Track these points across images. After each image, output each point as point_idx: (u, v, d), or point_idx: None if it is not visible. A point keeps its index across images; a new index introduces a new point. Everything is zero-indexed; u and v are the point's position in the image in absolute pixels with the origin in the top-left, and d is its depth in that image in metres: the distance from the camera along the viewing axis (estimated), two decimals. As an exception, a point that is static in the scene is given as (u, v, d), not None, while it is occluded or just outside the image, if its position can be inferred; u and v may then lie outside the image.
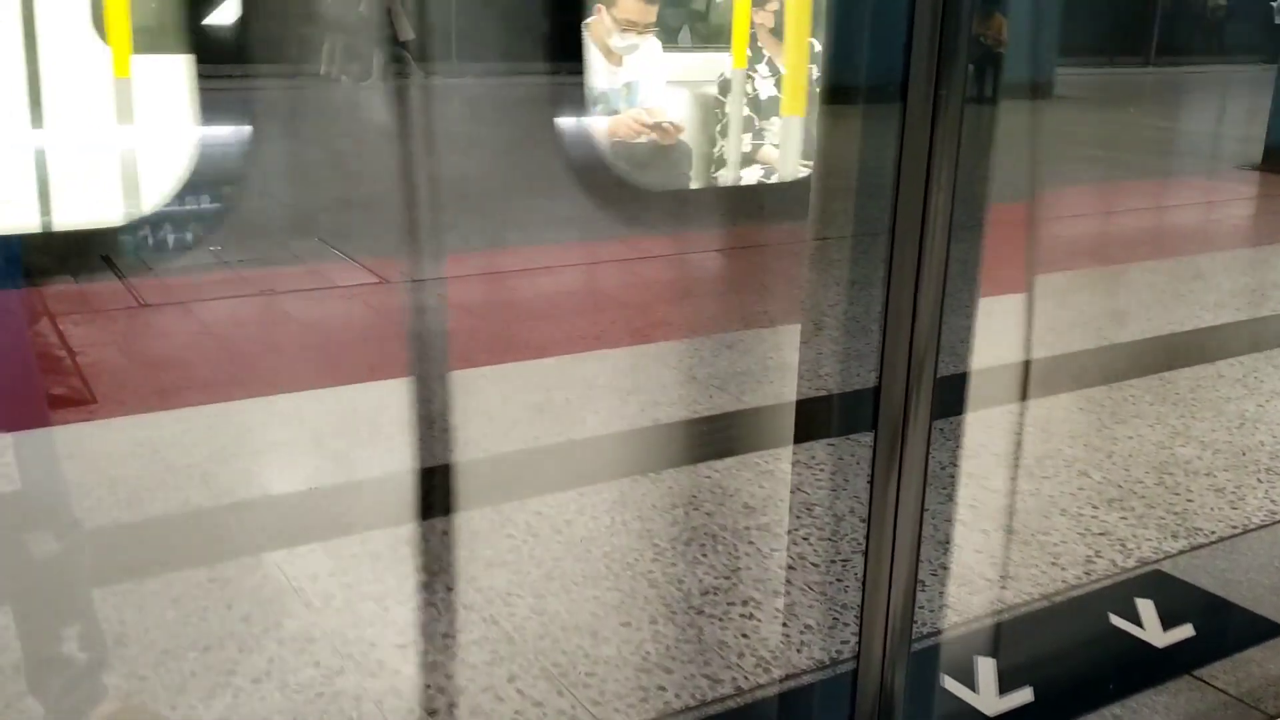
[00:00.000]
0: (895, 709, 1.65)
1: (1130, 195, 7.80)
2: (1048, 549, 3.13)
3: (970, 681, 2.53)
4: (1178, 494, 3.49)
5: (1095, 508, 3.38)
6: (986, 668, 2.57)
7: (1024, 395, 4.22)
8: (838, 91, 1.65)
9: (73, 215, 5.40)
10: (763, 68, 5.06)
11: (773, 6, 5.08)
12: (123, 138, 5.50)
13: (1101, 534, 3.22)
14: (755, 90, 4.96)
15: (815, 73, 4.68)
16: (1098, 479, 3.58)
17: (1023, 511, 3.34)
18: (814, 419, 2.51)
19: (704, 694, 2.48)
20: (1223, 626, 2.86)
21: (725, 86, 5.06)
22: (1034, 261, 5.71)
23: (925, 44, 1.48)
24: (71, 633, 2.17)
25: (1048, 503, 3.40)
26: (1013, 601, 2.88)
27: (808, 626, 2.74)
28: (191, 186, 5.09)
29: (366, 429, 3.75)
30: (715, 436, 3.34)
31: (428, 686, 2.48)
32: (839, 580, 2.91)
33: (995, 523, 3.26)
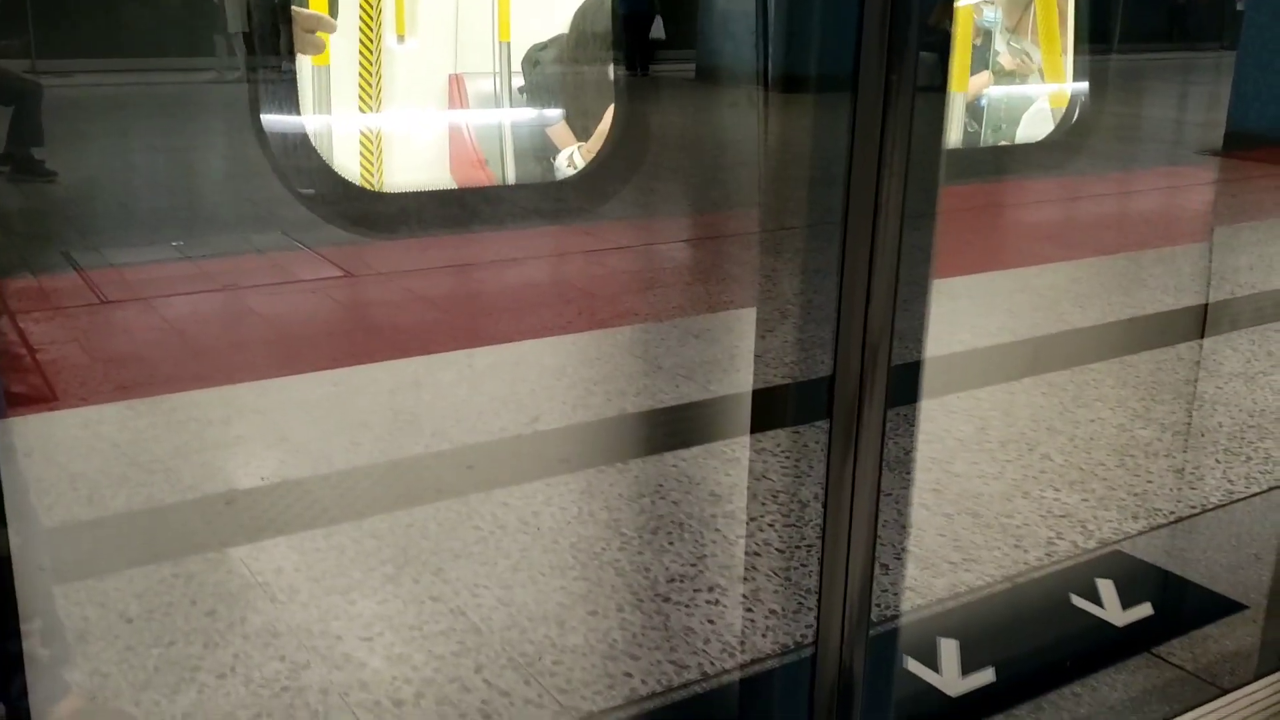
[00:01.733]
0: (855, 691, 1.67)
1: (1099, 183, 7.87)
2: (1010, 531, 3.16)
3: (933, 663, 2.56)
4: (1138, 475, 3.53)
5: (1057, 490, 3.41)
6: (949, 649, 2.60)
7: (987, 380, 4.26)
8: (790, 81, 1.66)
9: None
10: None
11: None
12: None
13: (1063, 516, 3.26)
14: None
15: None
16: (1059, 462, 3.61)
17: (986, 495, 3.38)
18: (774, 407, 2.54)
19: (670, 680, 2.50)
20: (1181, 604, 2.90)
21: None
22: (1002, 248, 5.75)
23: (876, 31, 1.49)
24: (34, 629, 2.16)
25: (1010, 486, 3.44)
26: (975, 584, 2.91)
27: (772, 611, 2.76)
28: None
29: (324, 418, 3.74)
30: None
31: (394, 678, 2.48)
32: (803, 565, 2.93)
33: (959, 506, 3.29)
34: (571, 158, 5.93)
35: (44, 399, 3.72)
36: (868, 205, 1.50)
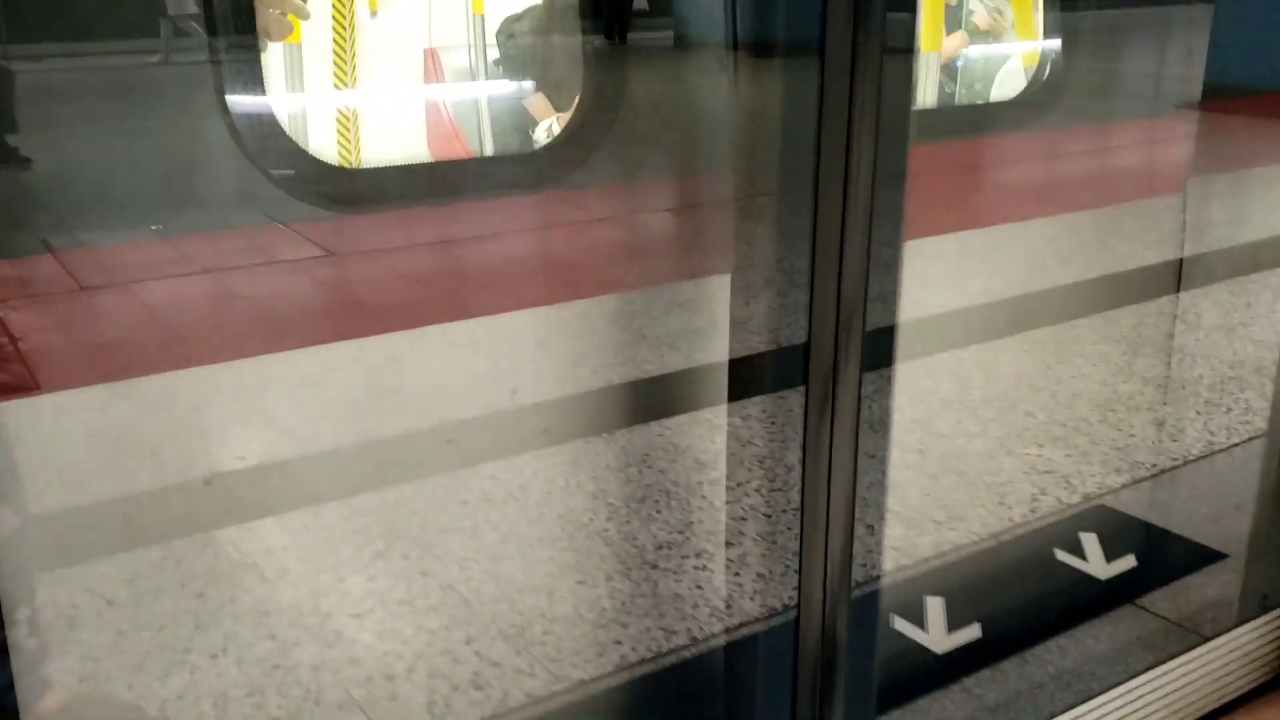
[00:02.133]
0: (838, 652, 1.69)
1: (1071, 139, 7.87)
2: (994, 489, 3.19)
3: (920, 621, 2.58)
4: (1120, 430, 3.56)
5: (1040, 447, 3.44)
6: (935, 607, 2.62)
7: (969, 340, 4.27)
8: (758, 46, 1.66)
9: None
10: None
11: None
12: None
13: (1046, 472, 3.29)
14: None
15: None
16: (1042, 419, 3.64)
17: (969, 454, 3.40)
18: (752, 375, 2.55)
19: (659, 645, 2.52)
20: (1163, 555, 2.93)
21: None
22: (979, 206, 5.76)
23: (842, -5, 1.49)
24: (21, 618, 2.16)
25: (994, 444, 3.46)
26: (960, 542, 2.93)
27: (760, 575, 2.78)
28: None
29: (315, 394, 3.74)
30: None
31: (385, 653, 2.50)
32: (789, 529, 2.95)
33: (943, 466, 3.31)
34: (550, 129, 5.91)
35: (26, 387, 3.71)
36: (838, 169, 1.50)
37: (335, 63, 5.67)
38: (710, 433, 3.47)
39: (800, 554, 1.62)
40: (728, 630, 2.56)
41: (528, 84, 6.23)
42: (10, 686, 2.19)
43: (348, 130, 5.84)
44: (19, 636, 2.15)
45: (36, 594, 2.38)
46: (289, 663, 2.45)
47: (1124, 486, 3.23)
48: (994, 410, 3.70)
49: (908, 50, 1.61)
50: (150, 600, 2.64)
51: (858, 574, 1.84)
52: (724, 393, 2.07)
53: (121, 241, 4.96)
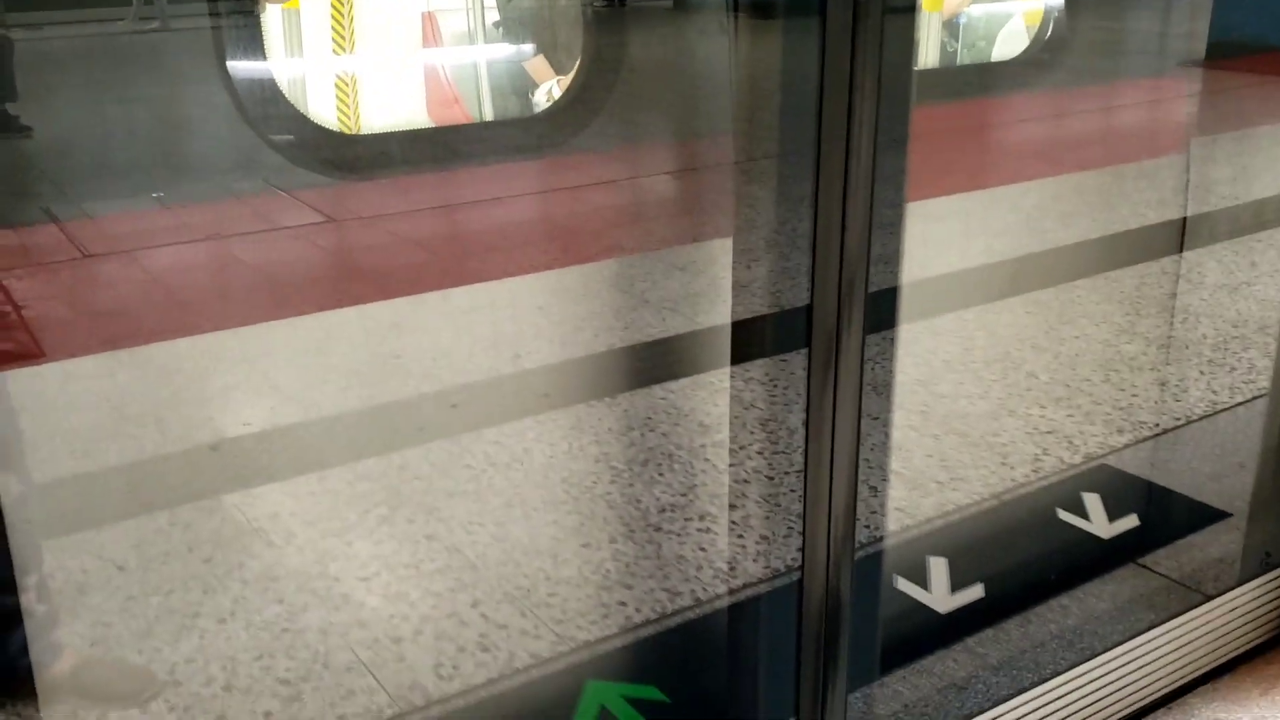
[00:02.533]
0: (842, 612, 1.70)
1: (1072, 99, 7.82)
2: (997, 449, 3.20)
3: (923, 581, 2.60)
4: (1123, 390, 3.56)
5: (1043, 407, 3.44)
6: (938, 567, 2.64)
7: (972, 301, 4.27)
8: (759, 6, 1.65)
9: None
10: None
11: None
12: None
13: (1049, 432, 3.29)
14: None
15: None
16: (1045, 379, 3.64)
17: (972, 415, 3.41)
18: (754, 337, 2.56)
19: (664, 607, 2.54)
20: (1165, 515, 2.94)
21: None
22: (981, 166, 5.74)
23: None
24: (30, 584, 2.18)
25: (996, 405, 3.47)
26: (963, 502, 2.95)
27: (763, 537, 2.80)
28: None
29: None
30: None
31: (392, 616, 2.52)
32: (792, 491, 2.96)
33: (945, 427, 3.32)
34: (550, 92, 5.88)
35: (30, 355, 3.72)
36: (840, 130, 1.50)
37: (333, 27, 5.64)
38: (712, 396, 3.48)
39: (804, 515, 1.63)
40: (732, 591, 2.58)
41: (527, 47, 6.19)
42: (24, 651, 2.21)
43: (346, 96, 5.82)
44: (29, 602, 2.17)
45: (45, 560, 2.40)
46: (297, 626, 2.47)
47: (1126, 446, 3.23)
48: (996, 371, 3.71)
49: (910, 9, 1.60)
50: (159, 565, 2.67)
51: (861, 535, 1.85)
52: (726, 356, 2.07)
53: (124, 209, 4.95)
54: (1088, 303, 4.30)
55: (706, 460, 3.14)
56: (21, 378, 3.49)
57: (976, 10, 7.45)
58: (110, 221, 4.95)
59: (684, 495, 2.97)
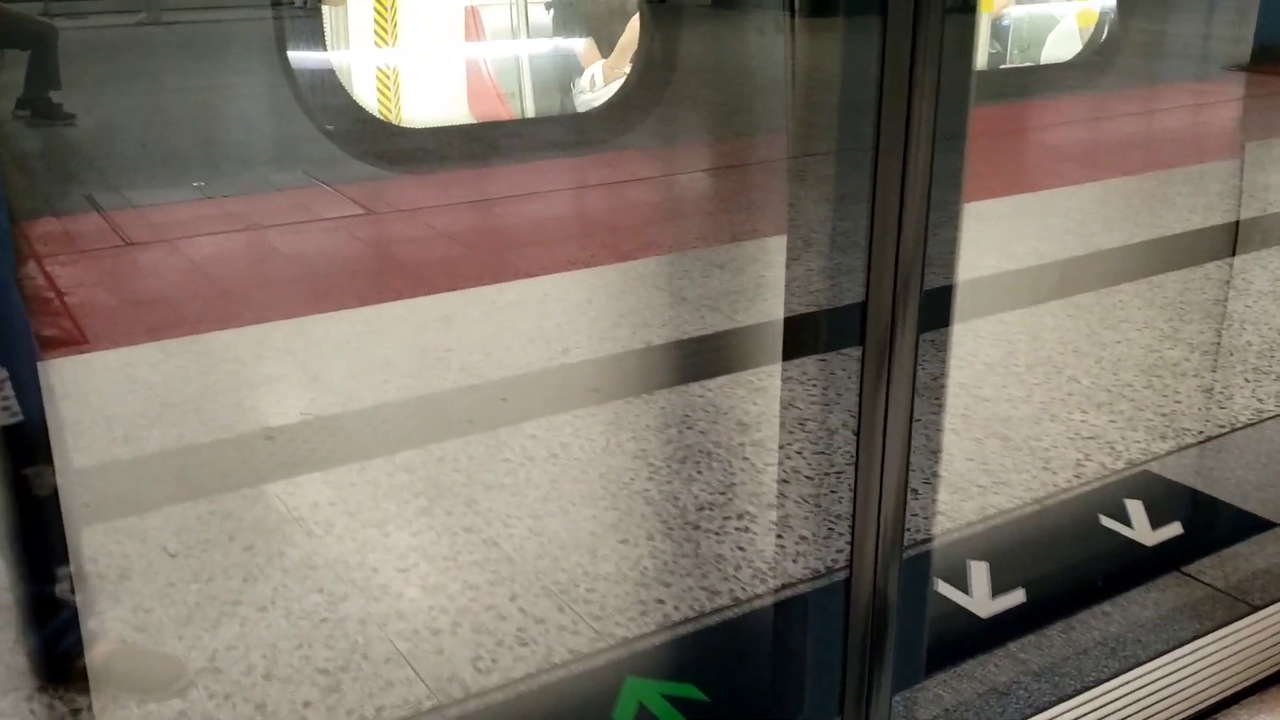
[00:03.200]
0: (889, 613, 1.69)
1: (1129, 101, 7.76)
2: (1038, 454, 3.17)
3: (964, 585, 2.58)
4: (1166, 396, 3.52)
5: (1085, 412, 3.41)
6: (979, 571, 2.62)
7: (1015, 304, 4.24)
8: (817, 3, 1.64)
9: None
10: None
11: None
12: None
13: (1091, 438, 3.26)
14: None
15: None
16: (1087, 384, 3.61)
17: (1014, 418, 3.38)
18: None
19: (702, 605, 2.53)
20: (1210, 523, 2.91)
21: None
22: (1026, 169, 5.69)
23: (905, -49, 1.46)
24: (67, 572, 2.19)
25: (1038, 409, 3.44)
26: (1004, 506, 2.92)
27: (802, 538, 2.78)
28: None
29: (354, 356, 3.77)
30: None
31: (431, 608, 2.52)
32: (832, 492, 2.94)
33: (987, 430, 3.29)
34: (593, 79, 5.88)
35: (74, 341, 3.76)
36: (899, 129, 1.48)
37: (376, 20, 5.65)
38: (751, 395, 3.47)
39: (853, 515, 1.62)
40: (773, 591, 2.57)
41: (571, 41, 6.20)
42: (61, 637, 2.23)
43: (388, 89, 5.83)
44: (65, 591, 2.19)
45: (82, 548, 2.42)
46: (336, 616, 2.48)
47: (1170, 453, 3.20)
48: (1039, 375, 3.67)
49: (970, 8, 1.58)
50: (199, 553, 2.68)
51: (905, 537, 1.84)
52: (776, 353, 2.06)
53: (178, 199, 4.98)
54: (1131, 307, 4.25)
55: (744, 459, 3.13)
56: (69, 365, 3.53)
57: (1018, 11, 7.39)
58: (153, 212, 4.99)
59: (721, 494, 2.96)
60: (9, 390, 1.98)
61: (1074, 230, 5.19)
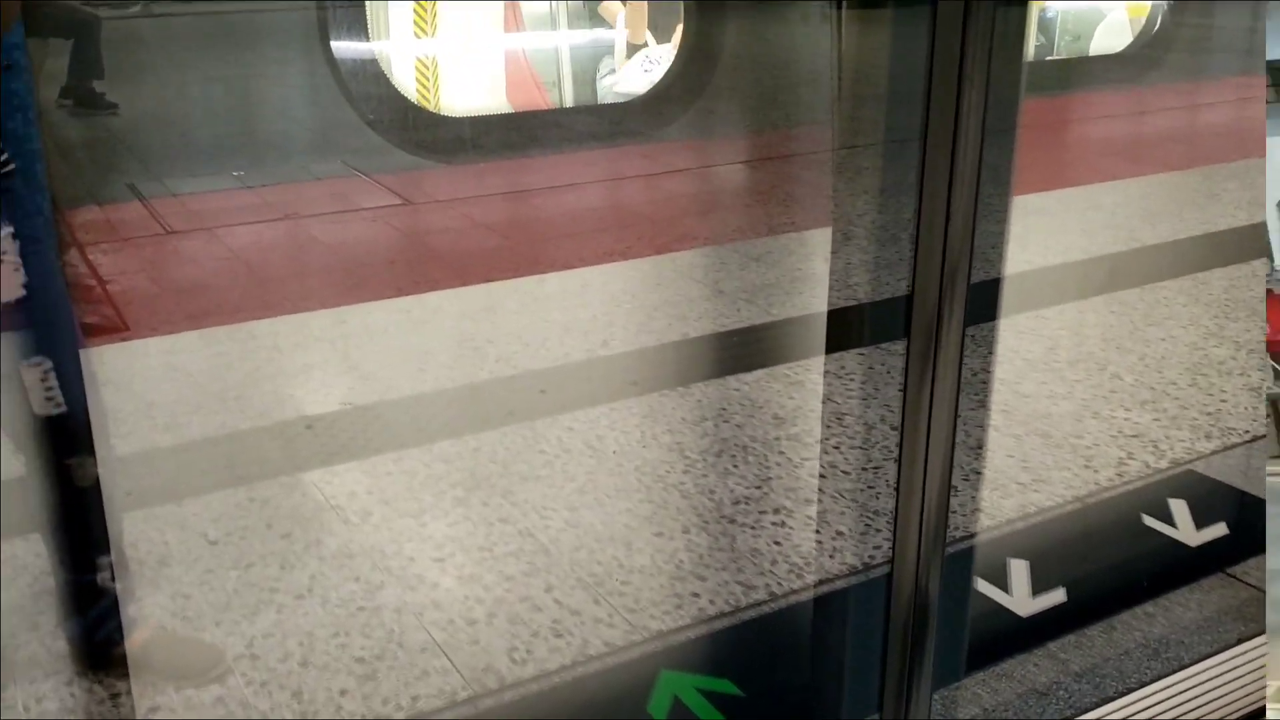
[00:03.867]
0: (930, 611, 1.67)
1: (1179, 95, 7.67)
2: (1080, 452, 3.13)
3: (1003, 583, 2.55)
4: (1211, 394, 3.47)
5: (1128, 410, 3.37)
6: (1019, 569, 2.59)
7: (1057, 300, 4.19)
8: (865, -8, 1.62)
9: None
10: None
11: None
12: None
13: (1134, 436, 3.22)
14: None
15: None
16: (1130, 381, 3.56)
17: (1055, 415, 3.34)
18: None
19: (738, 600, 2.52)
20: (1256, 524, 2.86)
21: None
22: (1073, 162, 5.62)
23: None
24: (108, 560, 2.21)
25: (1080, 406, 3.40)
26: (1046, 504, 2.89)
27: (839, 533, 2.77)
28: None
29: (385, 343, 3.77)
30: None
31: (466, 598, 2.53)
32: (870, 487, 2.92)
33: (1028, 427, 3.26)
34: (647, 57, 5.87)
35: (115, 329, 3.79)
36: (948, 121, 1.46)
37: (416, 10, 5.67)
38: (787, 388, 3.45)
39: (895, 510, 1.60)
40: (810, 586, 2.55)
41: (607, 34, 6.19)
42: (101, 624, 2.25)
43: (427, 78, 5.85)
44: (105, 579, 2.20)
45: (124, 535, 2.43)
46: (373, 604, 2.49)
47: (1215, 453, 3.15)
48: (1080, 371, 3.63)
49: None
50: (238, 540, 2.70)
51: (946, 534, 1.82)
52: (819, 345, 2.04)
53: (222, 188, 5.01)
54: (1175, 304, 4.19)
55: (780, 453, 3.11)
56: (110, 353, 3.56)
57: (1063, 4, 7.30)
58: (194, 200, 5.02)
59: (758, 488, 2.95)
60: (53, 381, 2.00)
61: (1118, 225, 5.12)
